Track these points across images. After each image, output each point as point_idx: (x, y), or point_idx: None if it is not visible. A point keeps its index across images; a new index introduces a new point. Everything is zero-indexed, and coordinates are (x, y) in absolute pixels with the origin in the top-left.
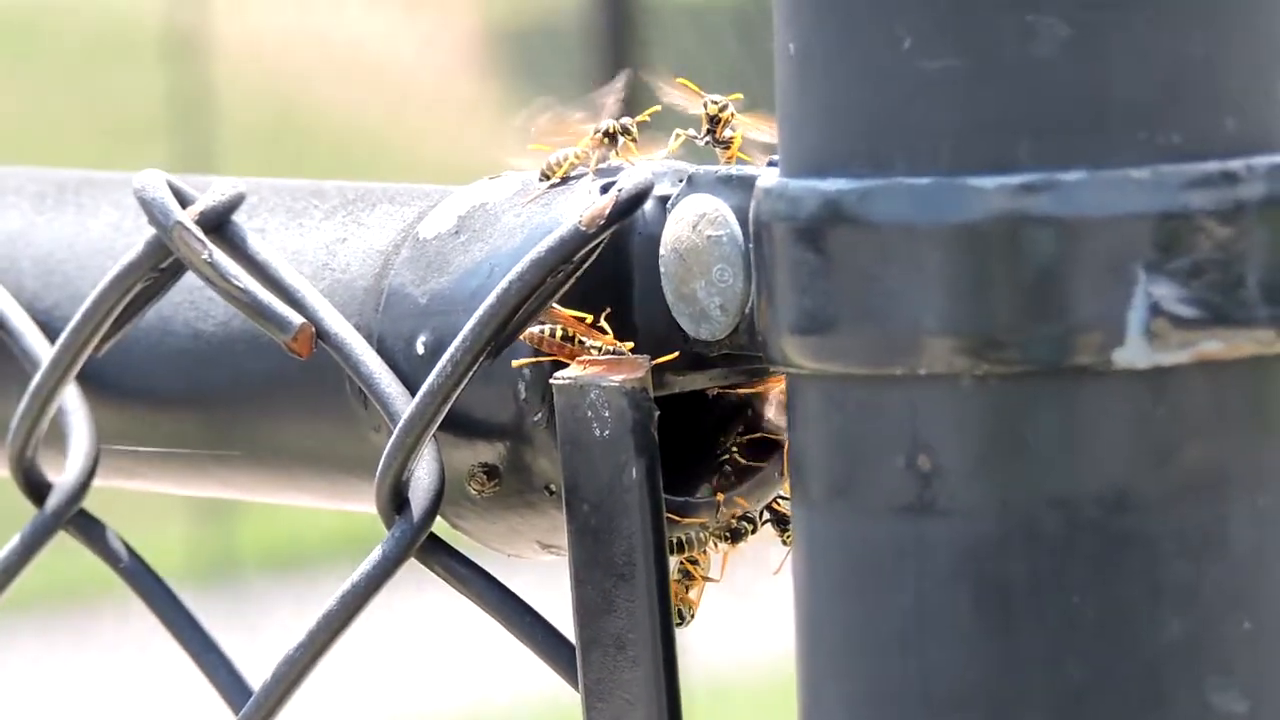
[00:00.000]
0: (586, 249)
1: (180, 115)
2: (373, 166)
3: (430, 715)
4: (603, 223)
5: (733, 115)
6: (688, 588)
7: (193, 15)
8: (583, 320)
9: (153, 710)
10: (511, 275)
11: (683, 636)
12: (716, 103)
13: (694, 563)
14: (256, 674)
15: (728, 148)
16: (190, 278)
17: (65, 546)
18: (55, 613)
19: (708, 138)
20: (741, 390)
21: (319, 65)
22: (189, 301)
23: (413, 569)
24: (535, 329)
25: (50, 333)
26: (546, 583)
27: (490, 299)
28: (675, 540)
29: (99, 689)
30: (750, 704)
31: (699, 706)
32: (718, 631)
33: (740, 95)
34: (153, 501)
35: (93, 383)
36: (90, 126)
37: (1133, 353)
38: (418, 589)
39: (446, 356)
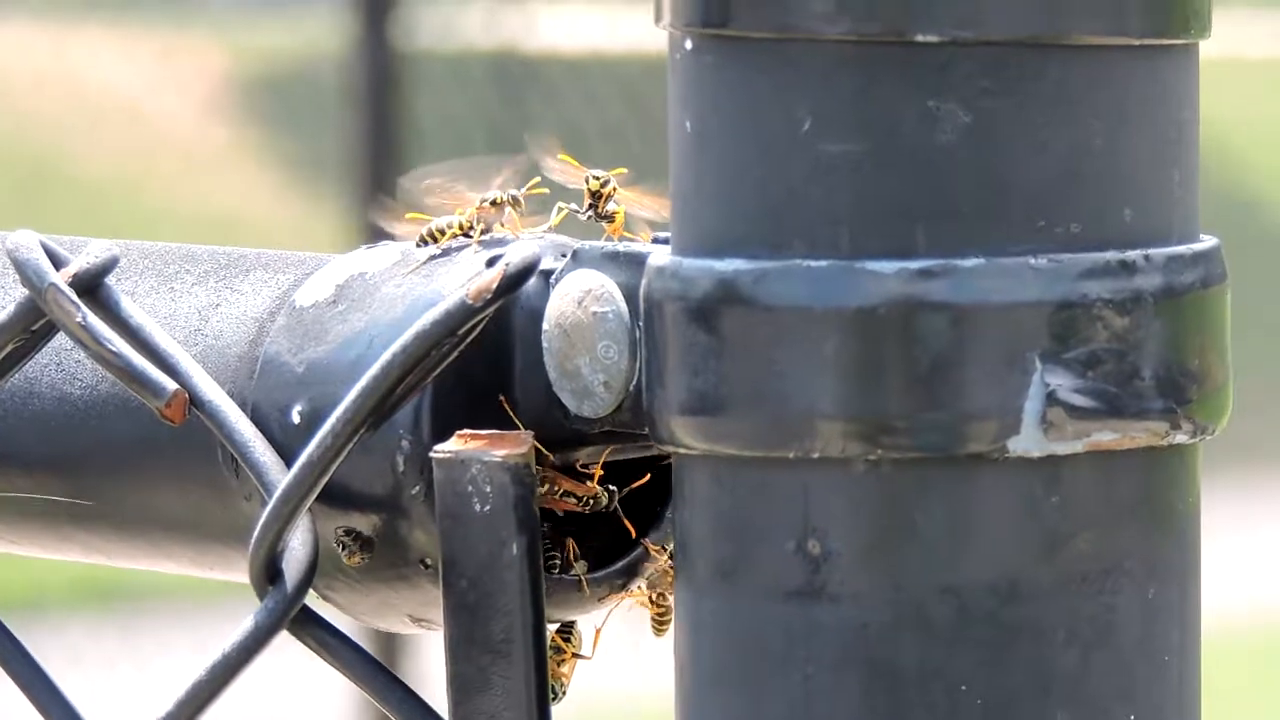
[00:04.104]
0: (471, 323)
1: None
2: (124, 215)
3: None
4: (489, 296)
5: (615, 190)
6: (559, 663)
7: None
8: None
9: None
10: (395, 348)
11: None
12: (598, 178)
13: (567, 639)
14: None
15: (611, 222)
16: (58, 339)
17: None
18: None
19: (589, 212)
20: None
21: (69, 111)
22: (55, 363)
23: None
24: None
25: None
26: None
27: (373, 370)
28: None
29: None
30: None
31: None
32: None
33: (624, 170)
34: None
35: None
36: None
37: (1027, 442)
38: None
39: (327, 427)
